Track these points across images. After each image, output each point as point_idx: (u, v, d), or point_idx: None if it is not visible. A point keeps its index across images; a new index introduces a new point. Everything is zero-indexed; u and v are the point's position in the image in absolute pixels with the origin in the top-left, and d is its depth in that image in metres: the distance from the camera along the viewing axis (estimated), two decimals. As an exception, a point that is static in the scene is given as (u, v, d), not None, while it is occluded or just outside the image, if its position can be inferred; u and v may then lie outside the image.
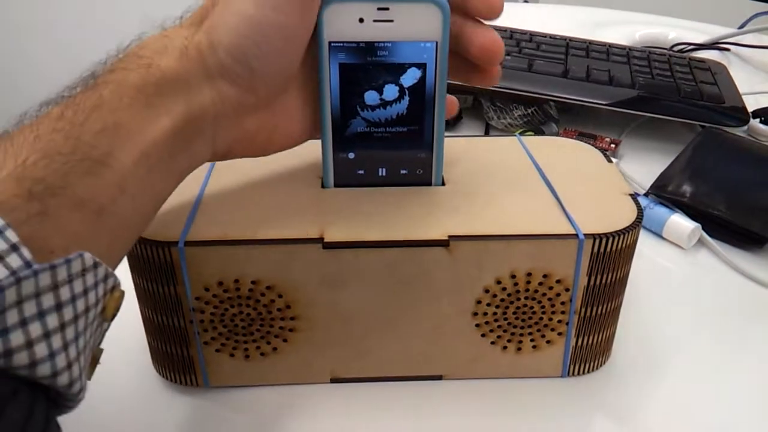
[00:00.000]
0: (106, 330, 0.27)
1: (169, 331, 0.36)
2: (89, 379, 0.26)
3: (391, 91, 0.35)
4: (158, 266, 0.34)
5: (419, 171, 0.38)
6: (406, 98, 0.36)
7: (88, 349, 0.25)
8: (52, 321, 0.22)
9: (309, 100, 0.35)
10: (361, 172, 0.38)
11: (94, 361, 0.27)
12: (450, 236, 0.34)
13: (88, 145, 0.25)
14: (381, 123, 0.36)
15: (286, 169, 0.40)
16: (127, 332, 0.41)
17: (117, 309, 0.26)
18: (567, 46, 0.74)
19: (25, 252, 0.21)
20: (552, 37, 0.77)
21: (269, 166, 0.40)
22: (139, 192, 0.27)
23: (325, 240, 0.34)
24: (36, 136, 0.25)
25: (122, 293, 0.26)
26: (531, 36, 0.76)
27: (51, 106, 0.26)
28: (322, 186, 0.38)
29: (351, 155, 0.37)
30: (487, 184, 0.38)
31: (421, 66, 0.35)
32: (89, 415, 0.37)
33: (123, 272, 0.36)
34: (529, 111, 0.65)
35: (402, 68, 0.35)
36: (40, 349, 0.22)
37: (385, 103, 0.36)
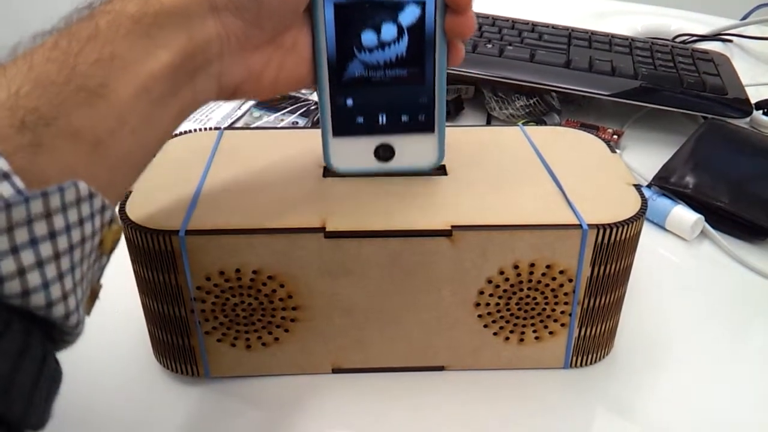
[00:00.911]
0: (105, 265, 0.26)
1: (170, 321, 0.36)
2: (88, 314, 0.26)
3: (389, 31, 0.34)
4: (159, 255, 0.34)
5: (421, 117, 0.36)
6: (405, 38, 0.34)
7: (86, 282, 0.24)
8: (46, 249, 0.22)
9: None
10: (360, 120, 0.36)
11: (94, 296, 0.26)
12: (453, 226, 0.34)
13: (83, 76, 0.24)
14: (379, 66, 0.34)
15: (288, 157, 0.39)
16: (128, 322, 0.41)
17: (115, 243, 0.26)
18: (569, 36, 0.73)
19: (17, 181, 0.21)
20: (554, 27, 0.76)
21: (271, 155, 0.40)
22: (140, 126, 0.26)
23: (327, 229, 0.33)
24: (29, 66, 0.24)
25: (120, 228, 0.26)
26: (533, 26, 0.75)
27: (46, 36, 0.25)
28: (324, 173, 0.38)
29: (349, 102, 0.35)
30: (489, 174, 0.38)
31: (420, 3, 0.33)
32: (90, 403, 0.37)
33: (123, 261, 0.36)
34: (531, 101, 0.65)
35: (400, 5, 0.33)
36: (33, 278, 0.21)
37: (383, 44, 0.34)
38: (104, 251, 0.25)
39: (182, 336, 0.36)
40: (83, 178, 0.23)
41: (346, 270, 0.34)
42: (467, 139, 0.42)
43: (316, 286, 0.35)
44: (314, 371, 0.38)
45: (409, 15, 0.34)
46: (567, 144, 0.42)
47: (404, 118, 0.36)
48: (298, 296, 0.35)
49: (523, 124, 0.45)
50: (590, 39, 0.73)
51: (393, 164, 0.37)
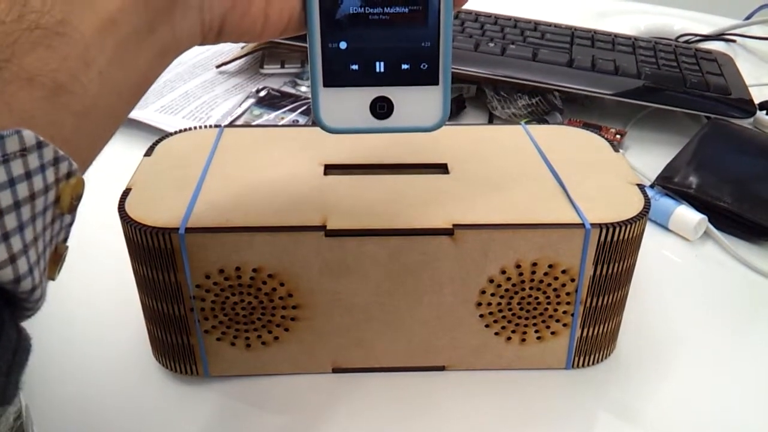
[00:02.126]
0: (70, 224, 0.24)
1: (170, 319, 0.36)
2: (53, 279, 0.24)
3: None
4: (158, 253, 0.33)
5: (423, 66, 0.32)
6: None
7: (42, 243, 0.22)
8: None
9: None
10: (355, 67, 0.31)
11: (57, 258, 0.24)
12: (454, 225, 0.33)
13: (37, 12, 0.22)
14: (378, 1, 0.30)
15: (289, 155, 0.39)
16: (126, 320, 0.40)
17: (77, 199, 0.23)
18: (572, 35, 0.73)
19: None
20: (557, 26, 0.76)
21: (271, 153, 0.39)
22: (110, 67, 0.24)
23: (328, 227, 0.33)
24: None
25: (81, 181, 0.23)
26: (536, 25, 0.75)
27: None
28: (325, 172, 0.37)
29: (343, 45, 0.31)
30: (492, 173, 0.38)
31: None
32: (87, 402, 0.37)
33: (123, 258, 0.36)
34: (534, 101, 0.65)
35: None
36: None
37: None
38: (63, 209, 0.23)
39: (181, 335, 0.36)
40: (43, 128, 0.21)
41: (346, 269, 0.34)
42: (469, 138, 0.42)
43: (317, 285, 0.35)
44: (314, 371, 0.38)
45: None
46: (570, 143, 0.42)
47: (404, 66, 0.32)
48: (298, 295, 0.35)
49: (526, 123, 0.45)
50: (593, 38, 0.73)
51: (391, 122, 0.33)
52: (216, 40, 0.29)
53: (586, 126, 0.64)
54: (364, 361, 0.38)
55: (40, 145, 0.21)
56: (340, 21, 0.31)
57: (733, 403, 0.38)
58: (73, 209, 0.23)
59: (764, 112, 0.68)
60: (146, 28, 0.25)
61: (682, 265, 0.49)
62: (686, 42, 0.88)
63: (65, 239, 0.24)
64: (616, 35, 0.75)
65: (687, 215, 0.51)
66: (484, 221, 0.34)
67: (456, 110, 0.67)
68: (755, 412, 0.37)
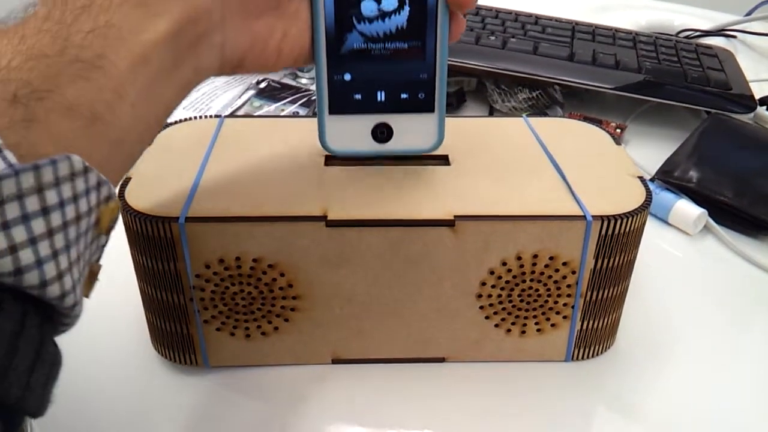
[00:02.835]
0: (104, 245, 0.25)
1: (169, 309, 0.36)
2: (87, 296, 0.25)
3: (390, 0, 0.33)
4: (158, 242, 0.33)
5: (421, 95, 0.35)
6: (407, 8, 0.33)
7: (83, 262, 0.23)
8: (38, 226, 0.21)
9: None
10: (358, 96, 0.34)
11: (93, 277, 0.25)
12: (455, 216, 0.33)
13: (77, 47, 0.23)
14: (379, 38, 0.33)
15: (289, 146, 0.39)
16: (126, 309, 0.40)
17: (113, 222, 0.25)
18: (573, 29, 0.73)
19: (9, 155, 0.20)
20: (557, 20, 0.76)
21: (272, 143, 0.39)
22: (140, 100, 0.25)
23: (329, 218, 0.33)
24: (21, 37, 0.23)
25: (118, 205, 0.25)
26: (536, 19, 0.75)
27: (38, 7, 0.24)
28: (326, 162, 0.37)
29: (347, 77, 0.34)
30: (493, 164, 0.38)
31: None
32: (86, 392, 0.37)
33: (122, 247, 0.35)
34: (534, 94, 0.65)
35: None
36: (26, 256, 0.20)
37: (383, 14, 0.33)
38: (101, 230, 0.24)
39: (181, 324, 0.36)
40: (81, 153, 0.22)
41: (347, 259, 0.34)
42: (471, 129, 0.42)
43: (317, 276, 0.35)
44: (314, 361, 0.38)
45: None
46: (571, 135, 0.42)
47: (403, 95, 0.35)
48: (298, 285, 0.35)
49: (527, 116, 0.45)
50: (594, 32, 0.73)
51: (391, 145, 0.36)
52: (232, 72, 0.31)
53: (587, 120, 0.64)
54: (363, 352, 0.38)
55: (86, 170, 0.22)
56: (345, 55, 0.33)
57: (731, 396, 0.38)
58: (109, 231, 0.25)
59: (764, 107, 0.67)
60: (172, 64, 0.27)
61: (681, 259, 0.49)
62: (687, 37, 0.88)
63: (98, 259, 0.26)
64: (616, 30, 0.75)
65: (687, 209, 0.51)
66: (485, 213, 0.34)
67: (456, 103, 0.66)
68: (753, 406, 0.37)
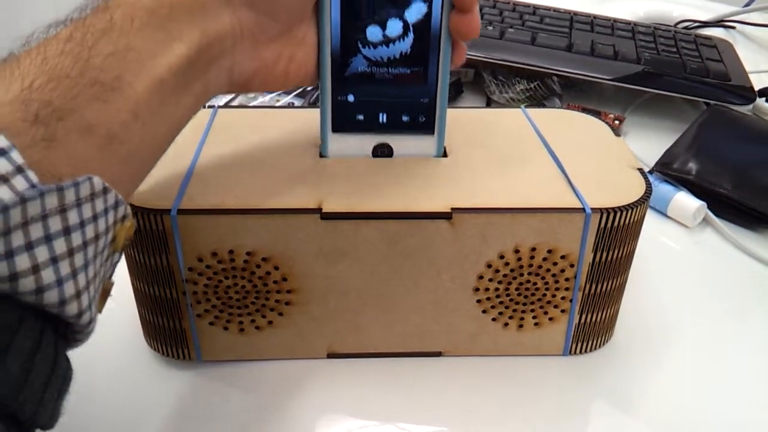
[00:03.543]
0: (117, 262, 0.26)
1: (161, 303, 0.35)
2: (100, 312, 0.25)
3: (394, 27, 0.33)
4: (150, 235, 0.33)
5: (421, 118, 0.36)
6: (411, 35, 0.34)
7: (99, 279, 0.24)
8: (60, 246, 0.21)
9: None
10: (360, 117, 0.36)
11: (105, 294, 0.26)
12: (453, 208, 0.33)
13: (97, 69, 0.24)
14: (383, 62, 0.34)
15: (284, 137, 0.38)
16: (118, 304, 0.39)
17: (128, 240, 0.26)
18: (571, 20, 0.72)
19: (31, 175, 0.21)
20: (556, 10, 0.75)
21: (266, 134, 0.39)
22: (152, 120, 0.26)
23: (324, 210, 0.32)
24: (43, 58, 0.23)
25: (133, 224, 0.26)
26: (534, 9, 0.74)
27: (60, 27, 0.25)
28: (321, 155, 0.37)
29: (351, 98, 0.35)
30: (491, 156, 0.37)
31: (427, 0, 0.33)
32: (77, 386, 0.36)
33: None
34: (532, 85, 0.64)
35: (407, 2, 0.33)
36: (47, 275, 0.21)
37: (387, 40, 0.34)
38: (117, 248, 0.25)
39: (173, 319, 0.35)
40: (95, 172, 0.23)
41: (342, 252, 0.34)
42: (468, 121, 0.41)
43: (312, 269, 0.34)
44: (309, 356, 0.37)
45: (415, 12, 0.33)
46: (570, 127, 0.41)
47: (404, 118, 0.36)
48: (293, 279, 0.34)
49: (525, 107, 0.44)
50: (592, 23, 0.72)
51: None
52: (240, 91, 0.32)
53: (585, 111, 0.64)
54: (359, 346, 0.37)
55: (105, 191, 0.23)
56: (349, 78, 0.34)
57: (729, 389, 0.37)
58: (123, 249, 0.26)
59: (764, 99, 0.67)
60: (184, 85, 0.28)
61: (680, 252, 0.48)
62: (686, 28, 0.88)
63: (111, 275, 0.26)
64: (615, 20, 0.74)
65: (686, 202, 0.50)
66: (483, 205, 0.33)
67: (453, 95, 0.66)
68: (752, 399, 0.37)
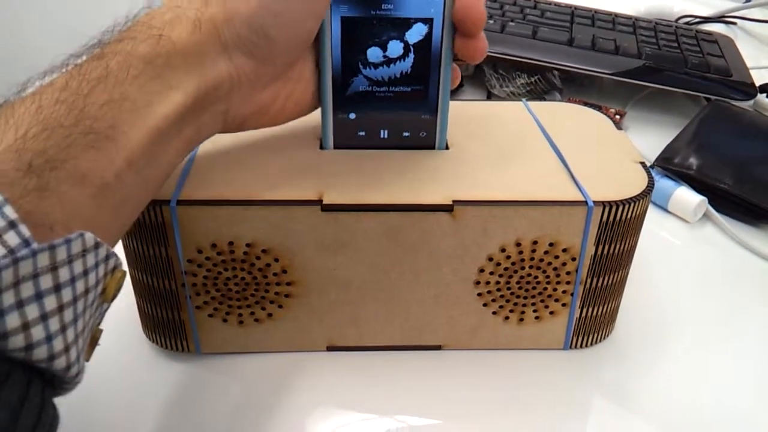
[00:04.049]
0: (106, 310, 0.26)
1: (160, 295, 0.35)
2: (87, 360, 0.25)
3: (395, 48, 0.34)
4: (149, 226, 0.32)
5: (422, 134, 0.36)
6: (411, 56, 0.34)
7: (87, 330, 0.24)
8: (50, 303, 0.21)
9: None
10: (362, 133, 0.36)
11: (93, 341, 0.26)
12: (454, 201, 0.33)
13: (92, 118, 0.24)
14: (384, 82, 0.34)
15: (284, 129, 0.38)
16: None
17: (118, 290, 0.26)
18: (572, 14, 0.72)
19: (24, 229, 0.21)
20: (557, 4, 0.75)
21: (266, 126, 0.38)
22: (146, 167, 0.26)
23: (324, 202, 0.32)
24: (38, 106, 0.23)
25: (123, 273, 0.25)
26: (535, 3, 0.74)
27: (55, 75, 0.25)
28: (321, 147, 0.36)
29: (352, 116, 0.35)
30: (492, 149, 0.37)
31: (428, 21, 0.33)
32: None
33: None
34: (533, 79, 0.64)
35: (407, 23, 0.33)
36: (37, 332, 0.21)
37: (388, 61, 0.34)
38: (106, 298, 0.25)
39: (172, 310, 0.35)
40: (88, 221, 0.23)
41: (343, 244, 0.33)
42: (470, 114, 0.41)
43: (312, 261, 0.34)
44: (308, 348, 0.37)
45: (415, 33, 0.33)
46: (571, 120, 0.41)
47: (405, 134, 0.36)
48: (292, 271, 0.34)
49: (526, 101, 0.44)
50: (593, 17, 0.72)
51: None
52: (236, 131, 0.33)
53: (586, 106, 0.63)
54: (359, 339, 0.37)
55: (97, 246, 0.23)
56: (350, 96, 0.35)
57: (730, 385, 0.37)
58: (113, 298, 0.26)
59: (765, 94, 0.67)
60: (178, 130, 0.28)
61: (681, 246, 0.48)
62: (687, 23, 0.87)
63: (99, 323, 0.26)
64: (616, 15, 0.74)
65: (687, 196, 0.50)
66: (484, 198, 0.33)
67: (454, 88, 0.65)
68: (752, 394, 0.37)
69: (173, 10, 0.28)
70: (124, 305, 0.38)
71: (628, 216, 0.34)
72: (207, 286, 0.34)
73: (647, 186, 0.35)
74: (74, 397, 0.36)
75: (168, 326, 0.36)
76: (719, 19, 0.90)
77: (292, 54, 0.31)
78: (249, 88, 0.30)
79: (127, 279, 0.36)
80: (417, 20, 0.33)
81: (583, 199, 0.33)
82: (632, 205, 0.33)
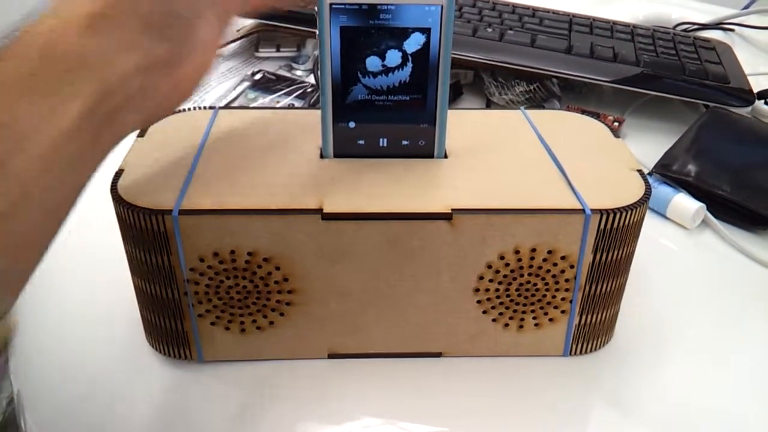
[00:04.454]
0: (4, 364, 0.25)
1: (163, 303, 0.35)
2: None
3: (393, 57, 0.34)
4: (152, 235, 0.33)
5: (421, 142, 0.37)
6: (409, 65, 0.34)
7: None
8: None
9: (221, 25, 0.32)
10: (361, 142, 0.36)
11: None
12: (453, 209, 0.33)
13: None
14: (383, 90, 0.35)
15: (285, 138, 0.39)
16: (119, 304, 0.40)
17: (7, 341, 0.24)
18: (570, 22, 0.72)
19: None
20: (555, 12, 0.75)
21: (267, 135, 0.39)
22: (49, 190, 0.24)
23: (325, 211, 0.32)
24: None
25: (11, 327, 0.24)
26: (534, 11, 0.74)
27: None
28: (321, 156, 0.37)
29: (351, 124, 0.36)
30: (491, 157, 0.37)
31: (426, 31, 0.34)
32: (78, 386, 0.37)
33: (115, 241, 0.35)
34: (532, 87, 0.64)
35: (405, 33, 0.34)
36: None
37: (387, 70, 0.34)
38: None
39: (175, 319, 0.36)
40: None
41: (343, 253, 0.34)
42: (469, 122, 0.41)
43: (313, 269, 0.34)
44: (309, 356, 0.38)
45: (413, 42, 0.34)
46: (570, 129, 0.42)
47: (404, 142, 0.37)
48: (294, 279, 0.34)
49: (524, 109, 0.44)
50: (591, 25, 0.73)
51: None
52: (158, 120, 0.32)
53: (585, 113, 0.64)
54: (360, 346, 0.37)
55: None
56: (349, 105, 0.35)
57: (729, 391, 0.37)
58: (4, 349, 0.24)
59: (762, 101, 0.67)
60: (92, 137, 0.26)
61: (679, 253, 0.49)
62: (685, 30, 0.88)
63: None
64: (614, 22, 0.75)
65: (685, 203, 0.50)
66: (483, 206, 0.33)
67: (453, 96, 0.66)
68: (751, 401, 0.37)
69: (53, 14, 0.26)
70: (127, 313, 0.39)
71: (626, 223, 0.34)
72: (209, 295, 0.35)
73: (644, 194, 0.35)
74: (78, 403, 0.36)
75: (171, 334, 0.36)
76: (717, 25, 0.90)
77: (203, 43, 0.30)
78: (166, 72, 0.29)
79: (131, 286, 0.36)
80: (415, 30, 0.34)
81: (580, 207, 0.33)
82: (629, 212, 0.34)
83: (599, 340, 0.39)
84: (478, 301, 0.36)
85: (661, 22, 0.91)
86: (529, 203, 0.34)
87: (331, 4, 0.33)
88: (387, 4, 0.33)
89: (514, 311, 0.36)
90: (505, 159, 0.37)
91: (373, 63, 0.34)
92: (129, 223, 0.33)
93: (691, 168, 0.53)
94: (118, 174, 0.35)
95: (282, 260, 0.34)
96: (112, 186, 0.34)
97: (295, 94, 0.63)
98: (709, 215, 0.51)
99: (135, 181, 0.34)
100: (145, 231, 0.33)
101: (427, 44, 0.34)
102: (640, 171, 0.37)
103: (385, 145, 0.37)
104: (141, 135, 0.39)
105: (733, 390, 0.37)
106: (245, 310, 0.35)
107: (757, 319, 0.43)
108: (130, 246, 0.34)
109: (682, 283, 0.45)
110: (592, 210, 0.33)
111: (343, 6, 0.33)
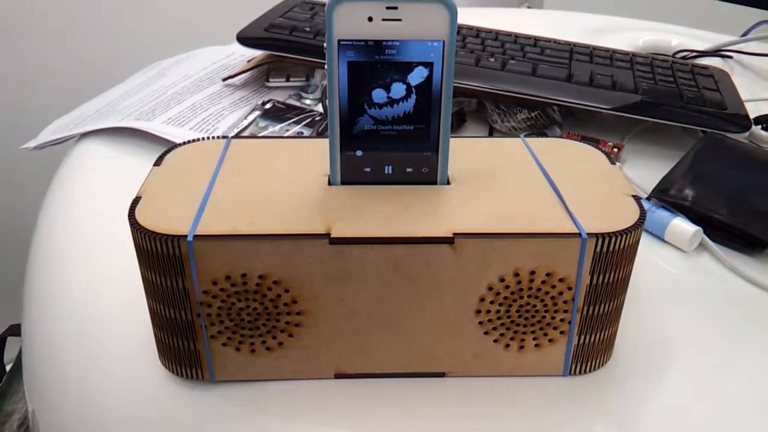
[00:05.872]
0: None
1: (177, 325, 0.37)
2: None
3: (398, 90, 0.36)
4: (167, 260, 0.34)
5: (425, 170, 0.38)
6: (413, 96, 0.36)
7: None
8: None
9: None
10: (367, 169, 0.38)
11: None
12: (455, 233, 0.34)
13: None
14: (388, 121, 0.37)
15: (294, 165, 0.40)
16: (134, 325, 0.41)
17: None
18: (571, 51, 0.74)
19: None
20: (556, 42, 0.77)
21: (278, 163, 0.40)
22: None
23: (332, 235, 0.34)
24: None
25: None
26: (535, 41, 0.76)
27: None
28: (329, 183, 0.38)
29: (358, 153, 0.38)
30: (491, 183, 0.39)
31: (428, 65, 0.35)
32: (93, 405, 0.38)
33: (132, 265, 0.36)
34: (533, 114, 0.66)
35: (409, 67, 0.36)
36: None
37: (392, 101, 0.36)
38: None
39: (188, 340, 0.37)
40: None
41: (349, 276, 0.35)
42: (470, 150, 0.43)
43: (321, 292, 0.36)
44: (317, 376, 0.39)
45: (417, 75, 0.36)
46: (567, 155, 0.43)
47: (408, 169, 0.39)
48: (302, 301, 0.36)
49: (525, 136, 0.46)
50: (591, 54, 0.75)
51: None
52: None
53: (585, 139, 0.65)
54: (366, 367, 0.39)
55: None
56: (356, 135, 0.37)
57: (727, 412, 0.38)
58: None
59: (759, 126, 0.69)
60: None
61: (677, 276, 0.50)
62: (683, 58, 0.90)
63: None
64: (614, 51, 0.77)
65: (682, 227, 0.52)
66: (484, 230, 0.35)
67: (457, 124, 0.68)
68: (750, 423, 0.38)
69: None
70: (142, 334, 0.40)
71: (621, 246, 0.35)
72: (221, 317, 0.36)
73: (639, 218, 0.36)
74: (92, 422, 0.38)
75: (184, 355, 0.38)
76: (716, 53, 0.92)
77: None
78: None
79: (146, 308, 0.38)
80: (418, 64, 0.36)
81: (577, 231, 0.35)
82: (624, 236, 0.35)
83: (598, 360, 0.40)
84: (480, 322, 0.37)
85: (661, 49, 0.93)
86: (528, 228, 0.35)
87: (339, 41, 0.35)
88: (392, 41, 0.35)
89: (515, 332, 0.38)
90: (505, 185, 0.39)
91: (378, 95, 0.36)
92: (146, 248, 0.34)
93: (689, 192, 0.54)
94: (136, 201, 0.37)
95: (291, 283, 0.35)
96: (130, 213, 0.35)
97: (303, 123, 0.65)
98: (706, 238, 0.52)
99: (152, 208, 0.36)
100: (161, 255, 0.34)
101: (429, 77, 0.36)
102: (635, 196, 0.38)
103: (390, 172, 0.39)
104: (157, 164, 0.41)
105: (732, 411, 0.38)
106: (255, 331, 0.37)
107: (755, 341, 0.44)
108: (147, 269, 0.36)
109: (680, 305, 0.46)
110: (588, 234, 0.35)
111: (350, 42, 0.35)
